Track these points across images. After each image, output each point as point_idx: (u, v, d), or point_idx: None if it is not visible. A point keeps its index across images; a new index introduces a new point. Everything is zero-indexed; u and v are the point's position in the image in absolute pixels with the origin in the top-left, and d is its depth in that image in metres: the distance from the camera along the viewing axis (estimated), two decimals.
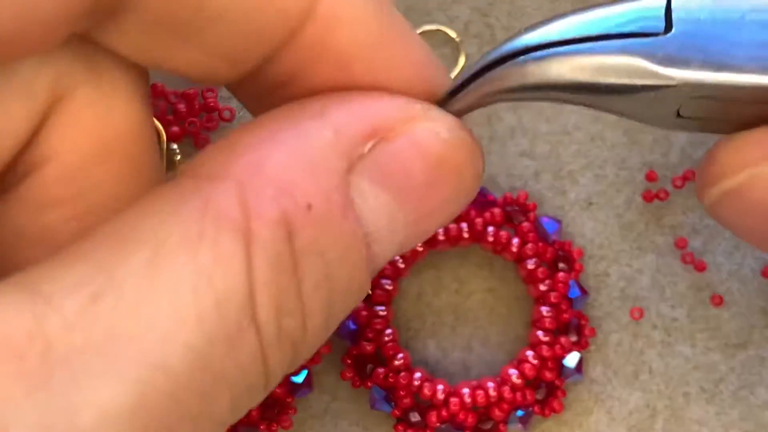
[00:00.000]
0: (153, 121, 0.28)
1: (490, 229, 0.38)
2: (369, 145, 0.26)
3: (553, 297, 0.38)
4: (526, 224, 0.38)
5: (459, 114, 0.28)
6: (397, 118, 0.26)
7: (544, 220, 0.38)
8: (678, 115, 0.28)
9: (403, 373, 0.37)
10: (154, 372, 0.22)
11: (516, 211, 0.38)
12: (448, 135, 0.27)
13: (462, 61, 0.39)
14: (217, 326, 0.23)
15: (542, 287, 0.38)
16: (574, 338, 0.38)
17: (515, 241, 0.38)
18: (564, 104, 0.29)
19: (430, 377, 0.37)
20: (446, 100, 0.28)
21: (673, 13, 0.26)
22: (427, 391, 0.37)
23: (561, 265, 0.38)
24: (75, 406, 0.21)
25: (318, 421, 0.38)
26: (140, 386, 0.22)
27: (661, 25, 0.26)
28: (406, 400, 0.37)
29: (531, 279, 0.38)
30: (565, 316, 0.38)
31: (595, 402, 0.38)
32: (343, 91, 0.27)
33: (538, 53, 0.27)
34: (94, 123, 0.26)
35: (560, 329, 0.38)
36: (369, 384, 0.37)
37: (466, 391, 0.37)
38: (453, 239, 0.38)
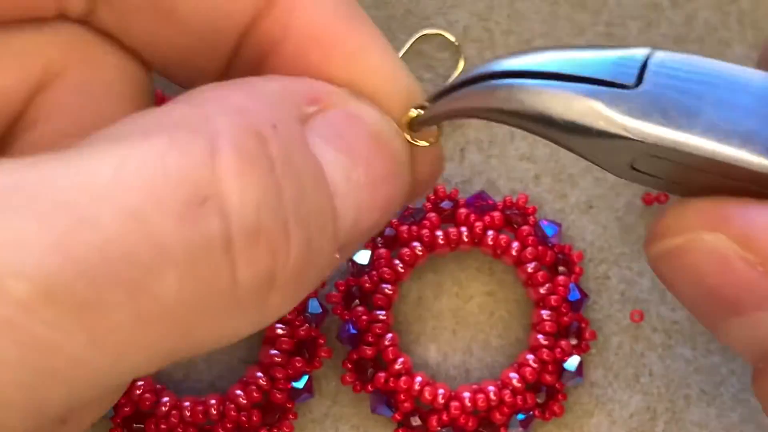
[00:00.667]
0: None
1: (490, 232, 0.38)
2: (313, 108, 0.27)
3: (553, 300, 0.38)
4: (525, 228, 0.38)
5: (431, 122, 0.29)
6: (332, 93, 0.28)
7: (544, 224, 0.38)
8: (632, 167, 0.28)
9: (403, 378, 0.37)
10: (80, 223, 0.22)
11: (516, 215, 0.38)
12: (379, 115, 0.28)
13: (461, 65, 0.39)
14: (165, 198, 0.23)
15: (542, 290, 0.38)
16: (574, 341, 0.38)
17: (515, 244, 0.38)
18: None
19: (431, 381, 0.37)
20: (425, 106, 0.29)
21: (647, 69, 0.27)
22: (427, 395, 0.37)
23: (561, 268, 0.38)
24: None
25: (318, 426, 0.38)
26: (61, 230, 0.22)
27: (633, 78, 0.27)
28: (407, 405, 0.37)
29: (531, 282, 0.38)
30: (565, 319, 0.38)
31: (595, 405, 0.38)
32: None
33: (509, 80, 0.28)
34: (76, 104, 0.29)
35: (560, 332, 0.38)
36: (369, 388, 0.37)
37: (466, 394, 0.37)
38: (453, 243, 0.38)
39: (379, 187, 0.28)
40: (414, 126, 0.29)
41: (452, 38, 0.39)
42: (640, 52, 0.28)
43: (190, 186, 0.23)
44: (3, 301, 0.21)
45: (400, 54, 0.39)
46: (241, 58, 0.30)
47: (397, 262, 0.38)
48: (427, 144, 0.30)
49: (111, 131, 0.24)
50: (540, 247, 0.38)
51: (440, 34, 0.39)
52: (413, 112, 0.29)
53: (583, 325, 0.38)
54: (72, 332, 0.22)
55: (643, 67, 0.27)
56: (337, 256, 0.27)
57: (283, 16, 0.29)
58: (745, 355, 0.29)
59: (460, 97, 0.28)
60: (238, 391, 0.36)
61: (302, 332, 0.37)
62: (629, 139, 0.27)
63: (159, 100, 0.38)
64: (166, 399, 0.36)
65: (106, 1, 0.28)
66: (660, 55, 0.28)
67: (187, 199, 0.23)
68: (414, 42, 0.39)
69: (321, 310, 0.37)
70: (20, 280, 0.21)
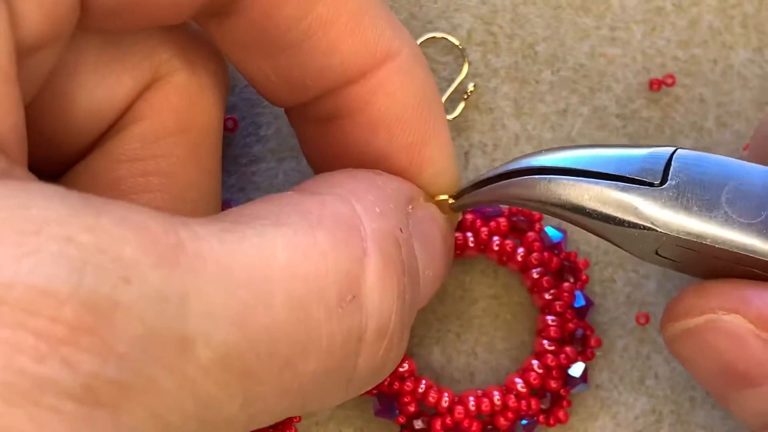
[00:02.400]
0: (222, 121, 0.34)
1: (496, 238, 0.38)
2: (410, 207, 0.31)
3: (558, 306, 0.37)
4: (531, 234, 0.38)
5: (472, 205, 0.35)
6: (419, 195, 0.32)
7: (550, 230, 0.38)
8: (657, 253, 0.32)
9: (407, 381, 0.37)
10: (257, 304, 0.25)
11: (522, 221, 0.38)
12: (446, 221, 0.33)
13: (465, 68, 0.39)
14: (324, 291, 0.27)
15: (547, 296, 0.38)
16: (579, 348, 0.38)
17: (520, 250, 0.38)
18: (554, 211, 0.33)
19: (435, 385, 0.37)
20: (464, 192, 0.34)
21: (671, 168, 0.31)
22: (431, 399, 0.37)
23: (567, 276, 0.38)
24: (187, 293, 0.24)
25: (322, 429, 0.38)
26: (242, 308, 0.25)
27: (659, 176, 0.31)
28: (411, 408, 0.37)
29: (536, 288, 0.38)
30: (570, 325, 0.37)
31: (600, 407, 0.38)
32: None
33: (549, 176, 0.32)
34: (179, 104, 0.32)
35: (565, 338, 0.37)
36: (373, 391, 0.37)
37: (471, 399, 0.37)
38: (458, 249, 0.38)
39: (435, 283, 0.33)
40: (446, 209, 0.34)
41: (456, 42, 0.39)
42: (664, 151, 0.31)
43: (345, 283, 0.27)
44: (192, 364, 0.24)
45: None
46: (314, 108, 0.33)
47: None
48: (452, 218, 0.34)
49: (272, 211, 0.27)
50: (545, 254, 0.38)
51: (444, 38, 0.39)
52: (443, 197, 0.34)
53: (588, 332, 0.38)
54: (234, 395, 0.25)
55: (668, 164, 0.31)
56: None
57: (368, 94, 0.32)
58: (751, 424, 0.32)
59: (503, 189, 0.32)
60: None
61: None
62: (656, 231, 0.31)
63: None
64: None
65: (219, 29, 0.31)
66: (682, 153, 0.31)
67: (340, 295, 0.27)
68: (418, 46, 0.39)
69: None
70: (207, 348, 0.24)
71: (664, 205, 0.31)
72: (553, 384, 0.37)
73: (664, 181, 0.31)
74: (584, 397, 0.38)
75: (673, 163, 0.31)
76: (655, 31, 0.40)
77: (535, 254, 0.38)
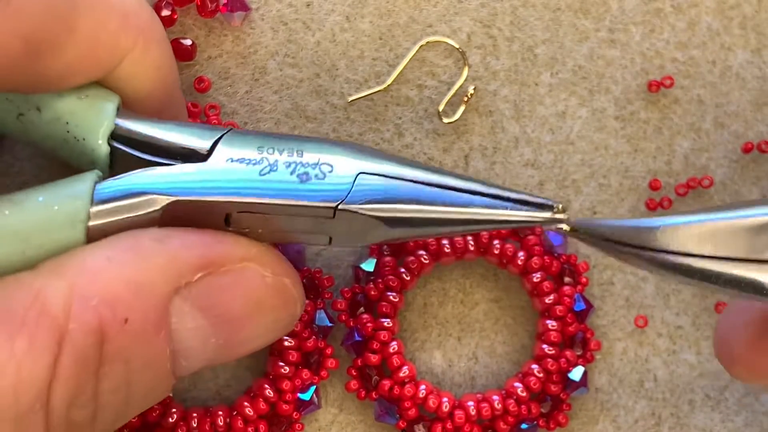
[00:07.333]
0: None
1: (496, 242, 0.38)
2: (199, 275, 0.31)
3: (558, 310, 0.38)
4: (532, 237, 0.38)
5: (587, 243, 0.32)
6: (233, 256, 0.31)
7: (550, 233, 0.38)
8: None
9: (407, 385, 0.37)
10: None
11: None
12: (273, 280, 0.32)
13: (465, 72, 0.39)
14: (8, 406, 0.27)
15: (548, 300, 0.38)
16: (579, 352, 0.38)
17: (521, 254, 0.38)
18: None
19: (435, 389, 0.38)
20: (587, 227, 0.32)
21: None
22: (432, 404, 0.37)
23: (567, 279, 0.38)
24: None
25: None
26: None
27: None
28: (411, 412, 0.37)
29: (536, 292, 0.38)
30: (571, 329, 0.38)
31: (600, 411, 0.39)
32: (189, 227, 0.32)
33: (688, 258, 0.31)
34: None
35: (565, 343, 0.38)
36: (374, 396, 0.37)
37: (471, 403, 0.37)
38: (459, 252, 0.38)
39: (243, 344, 0.32)
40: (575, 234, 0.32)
41: (456, 45, 0.39)
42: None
43: (32, 398, 0.27)
44: None
45: (404, 62, 0.39)
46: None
47: (402, 270, 0.38)
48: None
49: None
50: (546, 257, 0.38)
51: (443, 42, 0.39)
52: (562, 216, 0.32)
53: (588, 335, 0.38)
54: None
55: None
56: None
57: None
58: None
59: (639, 256, 0.31)
60: (246, 403, 0.37)
61: (309, 344, 0.37)
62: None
63: None
64: (173, 410, 0.37)
65: None
66: None
67: (27, 409, 0.27)
68: (418, 49, 0.39)
69: (329, 323, 0.37)
70: None
71: None
72: (553, 388, 0.37)
73: None
74: (584, 400, 0.38)
75: None
76: (653, 32, 0.40)
77: (535, 258, 0.38)
